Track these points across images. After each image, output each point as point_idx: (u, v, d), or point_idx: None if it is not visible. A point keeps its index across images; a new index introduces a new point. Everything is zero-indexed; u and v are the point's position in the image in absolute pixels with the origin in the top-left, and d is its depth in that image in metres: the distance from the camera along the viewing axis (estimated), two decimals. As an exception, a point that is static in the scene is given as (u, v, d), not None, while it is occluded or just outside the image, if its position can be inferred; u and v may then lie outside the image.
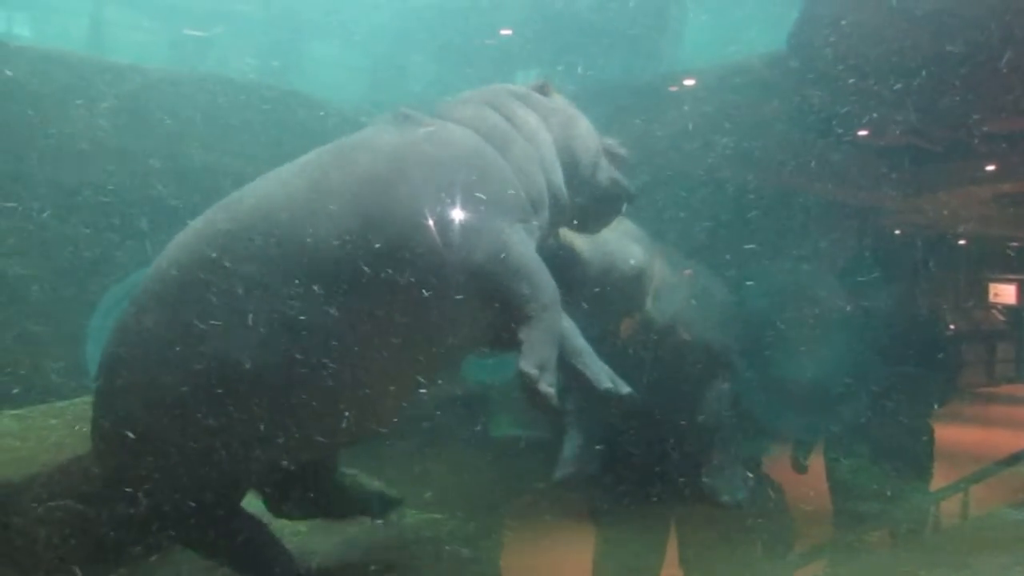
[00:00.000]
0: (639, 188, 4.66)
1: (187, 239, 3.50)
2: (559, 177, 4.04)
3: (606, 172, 4.41)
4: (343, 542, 4.90)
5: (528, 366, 3.43)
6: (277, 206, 3.41)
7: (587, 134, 4.30)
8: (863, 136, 6.71)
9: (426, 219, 3.42)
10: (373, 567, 4.54)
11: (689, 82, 7.50)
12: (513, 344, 3.56)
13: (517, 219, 3.67)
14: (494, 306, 3.57)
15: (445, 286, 3.43)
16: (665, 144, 6.94)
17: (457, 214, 3.49)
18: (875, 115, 6.32)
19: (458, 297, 3.47)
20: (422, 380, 3.71)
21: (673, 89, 7.62)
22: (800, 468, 6.74)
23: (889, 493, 6.39)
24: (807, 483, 6.57)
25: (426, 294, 3.40)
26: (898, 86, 5.92)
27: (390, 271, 3.35)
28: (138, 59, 7.63)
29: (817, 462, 6.87)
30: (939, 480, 6.75)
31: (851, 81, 6.08)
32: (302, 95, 7.84)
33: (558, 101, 4.32)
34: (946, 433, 7.14)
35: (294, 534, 4.63)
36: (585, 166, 4.23)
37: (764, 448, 6.99)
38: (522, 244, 3.61)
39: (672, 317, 5.86)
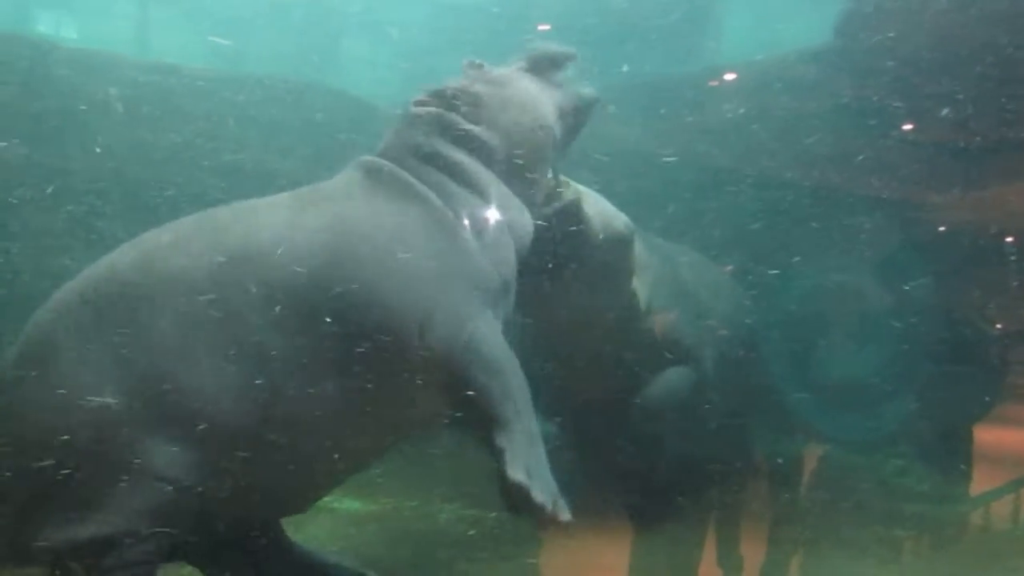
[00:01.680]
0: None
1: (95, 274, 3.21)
2: (527, 226, 3.67)
3: (568, 115, 3.99)
4: (379, 539, 4.95)
5: (517, 474, 3.12)
6: (225, 269, 3.10)
7: (529, 115, 3.81)
8: (910, 131, 6.59)
9: (379, 302, 3.15)
10: (410, 564, 4.58)
11: (730, 77, 7.43)
12: (477, 434, 3.29)
13: (484, 302, 3.35)
14: (456, 395, 3.26)
15: (399, 372, 3.19)
16: (706, 139, 6.88)
17: (416, 298, 3.20)
18: (923, 110, 6.21)
19: (414, 383, 3.24)
20: (363, 453, 3.49)
21: (714, 84, 7.56)
22: None
23: (934, 493, 6.28)
24: (849, 483, 6.48)
25: (377, 381, 3.16)
26: (947, 80, 5.81)
27: (334, 353, 3.10)
28: (181, 60, 7.73)
29: (859, 462, 6.78)
30: (986, 483, 6.62)
31: (898, 75, 5.98)
32: (345, 94, 7.90)
33: (488, 88, 3.76)
34: (993, 435, 6.99)
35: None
36: (539, 150, 3.84)
37: (804, 447, 6.92)
38: (491, 334, 3.31)
39: (647, 300, 5.50)
